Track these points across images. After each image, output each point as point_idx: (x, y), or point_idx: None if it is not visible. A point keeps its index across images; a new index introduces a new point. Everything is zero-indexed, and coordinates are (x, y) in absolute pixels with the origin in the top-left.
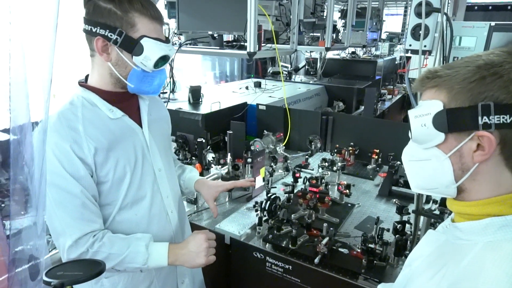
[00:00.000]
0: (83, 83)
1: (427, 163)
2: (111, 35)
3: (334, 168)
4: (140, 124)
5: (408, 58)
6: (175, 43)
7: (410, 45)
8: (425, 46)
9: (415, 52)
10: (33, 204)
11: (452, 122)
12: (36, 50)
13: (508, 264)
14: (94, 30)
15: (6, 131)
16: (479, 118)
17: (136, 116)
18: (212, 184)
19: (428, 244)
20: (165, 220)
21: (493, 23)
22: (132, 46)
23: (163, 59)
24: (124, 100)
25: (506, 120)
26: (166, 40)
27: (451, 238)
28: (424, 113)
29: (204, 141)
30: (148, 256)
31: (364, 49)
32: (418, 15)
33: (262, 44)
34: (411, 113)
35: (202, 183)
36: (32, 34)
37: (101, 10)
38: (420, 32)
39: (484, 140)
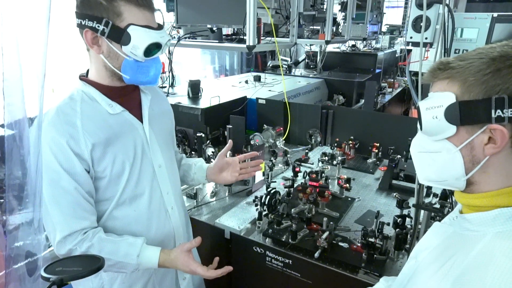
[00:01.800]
0: (84, 77)
1: (437, 155)
2: (98, 26)
3: (334, 162)
4: (141, 119)
5: (409, 51)
6: (174, 37)
7: (411, 37)
8: (426, 38)
9: (416, 44)
10: (30, 199)
11: (465, 115)
12: (29, 45)
13: None
14: (83, 22)
15: (3, 126)
16: (493, 111)
17: (137, 111)
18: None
19: (435, 236)
20: (164, 216)
21: (495, 14)
22: (119, 35)
23: (155, 47)
24: (125, 95)
25: None
26: (159, 27)
27: (459, 230)
28: (436, 105)
29: (203, 135)
30: (138, 266)
31: (365, 42)
32: (419, 6)
33: (262, 38)
34: (422, 104)
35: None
36: (25, 29)
37: (88, 2)
38: (421, 24)
39: (496, 133)
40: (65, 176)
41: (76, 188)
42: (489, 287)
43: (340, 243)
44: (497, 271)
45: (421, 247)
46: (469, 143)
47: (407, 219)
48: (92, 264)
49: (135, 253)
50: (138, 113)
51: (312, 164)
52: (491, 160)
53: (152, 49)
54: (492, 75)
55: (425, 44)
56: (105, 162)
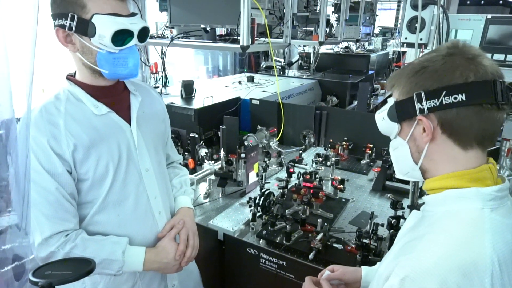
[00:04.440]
0: (71, 77)
1: (397, 151)
2: (66, 22)
3: (328, 163)
4: (129, 121)
5: (403, 53)
6: (167, 37)
7: (406, 38)
8: (421, 39)
9: (411, 45)
10: (18, 202)
11: (399, 112)
12: (17, 43)
13: (451, 226)
14: (55, 23)
15: None
16: (416, 105)
17: (126, 112)
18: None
19: (408, 221)
20: (151, 222)
21: (489, 16)
22: (85, 27)
23: (127, 35)
24: (113, 95)
25: (435, 103)
26: (131, 15)
27: (424, 213)
28: (383, 109)
29: (197, 136)
30: (123, 264)
31: (358, 43)
32: (414, 7)
33: (255, 38)
34: (377, 112)
35: (181, 214)
36: (13, 27)
37: (56, 1)
38: (416, 25)
39: (423, 123)
40: (46, 176)
41: (58, 188)
42: (417, 251)
43: (335, 244)
44: (429, 238)
45: (399, 233)
46: (411, 135)
47: (401, 220)
48: (82, 267)
49: (121, 250)
50: (127, 115)
51: (306, 165)
52: (431, 147)
53: (123, 37)
54: (413, 76)
55: (420, 45)
56: (88, 164)
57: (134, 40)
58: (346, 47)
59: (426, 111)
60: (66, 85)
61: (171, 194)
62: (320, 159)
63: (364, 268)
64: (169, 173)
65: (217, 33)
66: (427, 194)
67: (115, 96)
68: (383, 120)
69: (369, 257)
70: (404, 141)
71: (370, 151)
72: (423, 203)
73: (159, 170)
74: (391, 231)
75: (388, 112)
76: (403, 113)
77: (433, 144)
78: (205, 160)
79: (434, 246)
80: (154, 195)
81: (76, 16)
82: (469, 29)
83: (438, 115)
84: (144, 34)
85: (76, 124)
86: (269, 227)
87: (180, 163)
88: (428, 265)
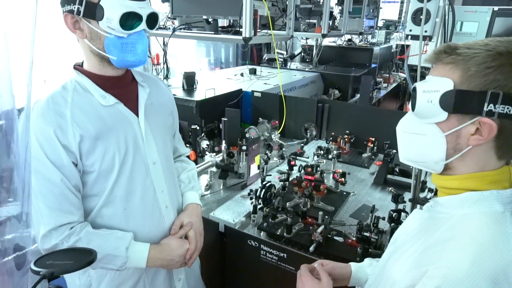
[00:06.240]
0: (78, 67)
1: (422, 137)
2: (74, 7)
3: (330, 156)
4: (137, 113)
5: (407, 46)
6: (169, 28)
7: (410, 30)
8: (425, 31)
9: (415, 37)
10: (18, 192)
11: (459, 104)
12: (17, 33)
13: (475, 232)
14: (63, 9)
15: None
16: (485, 104)
17: (134, 104)
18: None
19: (412, 221)
20: (158, 216)
21: (496, 8)
22: (93, 10)
23: (135, 19)
24: (121, 86)
25: (509, 111)
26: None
27: (433, 214)
28: (433, 89)
29: (198, 128)
30: (127, 260)
31: (361, 36)
32: None
33: (258, 30)
34: (419, 86)
35: (190, 212)
36: (12, 18)
37: None
38: (421, 17)
39: (485, 126)
40: (51, 167)
41: (63, 180)
42: (446, 260)
43: (335, 237)
44: (455, 246)
45: (399, 232)
46: (456, 131)
47: (402, 214)
48: (84, 258)
49: (124, 246)
50: (134, 107)
51: (307, 158)
52: (472, 150)
53: (132, 21)
54: (494, 69)
55: (424, 38)
56: (94, 156)
57: (143, 25)
58: (349, 40)
59: (495, 115)
60: (73, 75)
61: (178, 188)
62: (322, 152)
63: (353, 265)
64: (176, 167)
65: (219, 24)
66: (434, 191)
67: (123, 87)
68: (429, 103)
69: (370, 250)
70: (442, 133)
71: (372, 145)
72: (425, 198)
73: (166, 163)
74: (392, 224)
75: (441, 97)
76: (463, 106)
77: (476, 147)
78: (207, 152)
79: (462, 254)
80: (161, 188)
81: (84, 0)
82: (475, 22)
83: (503, 123)
84: (153, 20)
85: (83, 115)
86: (270, 220)
87: (187, 156)
88: (460, 275)
